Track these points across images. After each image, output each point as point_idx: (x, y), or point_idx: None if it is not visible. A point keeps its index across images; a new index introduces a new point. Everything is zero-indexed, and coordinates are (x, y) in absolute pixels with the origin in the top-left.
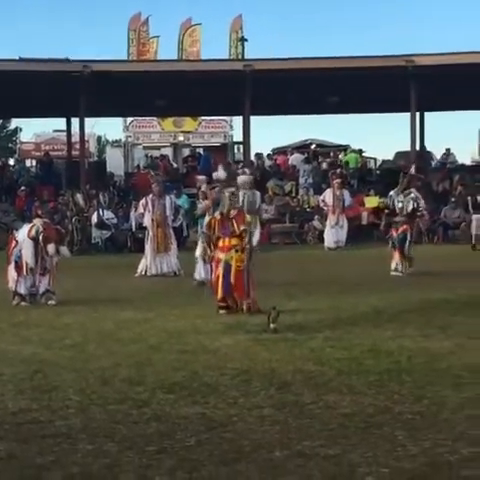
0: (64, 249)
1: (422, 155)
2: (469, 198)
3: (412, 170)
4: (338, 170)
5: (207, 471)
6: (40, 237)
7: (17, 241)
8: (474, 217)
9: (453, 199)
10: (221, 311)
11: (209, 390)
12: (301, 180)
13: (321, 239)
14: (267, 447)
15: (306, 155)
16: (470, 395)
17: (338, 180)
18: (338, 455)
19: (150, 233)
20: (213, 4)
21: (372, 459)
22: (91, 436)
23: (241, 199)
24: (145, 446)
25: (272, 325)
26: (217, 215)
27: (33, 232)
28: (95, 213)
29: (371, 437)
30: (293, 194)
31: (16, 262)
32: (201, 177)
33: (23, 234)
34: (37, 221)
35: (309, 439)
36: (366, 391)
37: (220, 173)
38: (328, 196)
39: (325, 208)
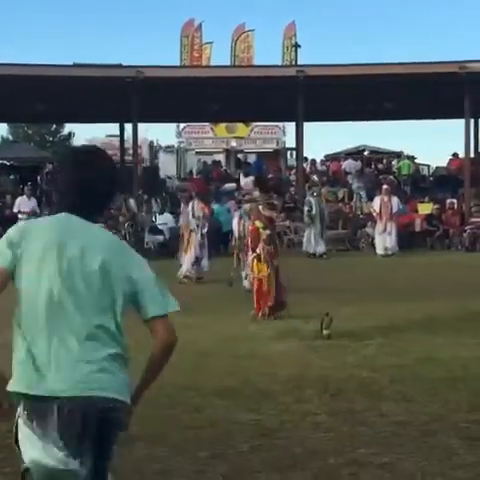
0: None
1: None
2: None
3: None
4: (387, 177)
5: (260, 478)
6: None
7: None
8: None
9: None
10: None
11: (262, 396)
12: (353, 186)
13: (374, 246)
14: (321, 454)
15: (359, 162)
16: None
17: (386, 187)
18: (392, 463)
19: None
20: (266, 10)
21: (427, 468)
22: (144, 441)
23: None
24: (197, 451)
25: (325, 331)
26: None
27: None
28: (148, 218)
29: (425, 445)
30: (346, 200)
31: None
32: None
33: None
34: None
35: (363, 447)
36: (420, 399)
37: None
38: (376, 203)
39: (375, 214)
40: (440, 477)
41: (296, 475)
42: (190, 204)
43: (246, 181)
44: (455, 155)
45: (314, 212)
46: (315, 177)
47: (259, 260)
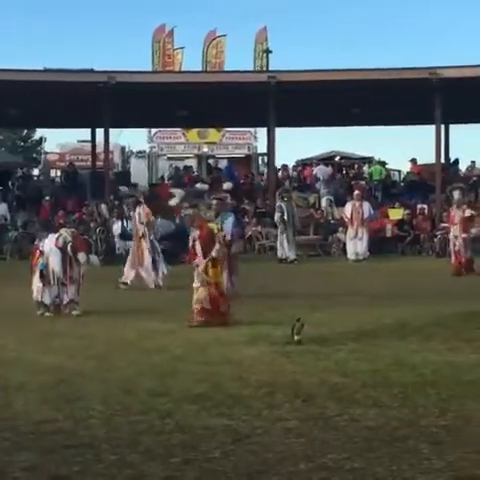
0: (94, 258)
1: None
2: None
3: None
4: (357, 182)
5: None
6: (69, 246)
7: (42, 251)
8: None
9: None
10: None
11: (233, 402)
12: (322, 192)
13: (345, 251)
14: (292, 460)
15: (330, 167)
16: None
17: (357, 192)
18: (363, 468)
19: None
20: (238, 16)
21: (397, 473)
22: (115, 446)
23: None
24: (169, 457)
25: (296, 337)
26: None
27: (60, 241)
28: (119, 223)
29: (396, 450)
30: (317, 206)
31: (41, 271)
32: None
33: (49, 244)
34: (64, 231)
35: (334, 452)
36: (391, 404)
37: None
38: (348, 209)
39: (346, 220)
40: None
41: None
42: (137, 210)
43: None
44: (413, 160)
45: (286, 217)
46: (286, 183)
47: (214, 264)
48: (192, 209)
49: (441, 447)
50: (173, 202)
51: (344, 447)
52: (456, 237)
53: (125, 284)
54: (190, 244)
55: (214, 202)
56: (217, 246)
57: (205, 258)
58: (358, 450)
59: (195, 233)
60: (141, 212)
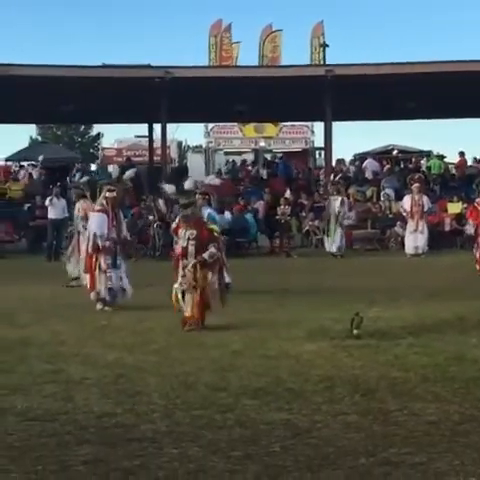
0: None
1: None
2: None
3: None
4: (417, 175)
5: (292, 477)
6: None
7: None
8: None
9: None
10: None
11: (293, 396)
12: (382, 185)
13: (403, 245)
14: (352, 454)
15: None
16: None
17: (417, 185)
18: (424, 463)
19: None
20: (294, 10)
21: (459, 467)
22: (176, 440)
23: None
24: (230, 451)
25: (355, 331)
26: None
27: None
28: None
29: (458, 445)
30: (374, 200)
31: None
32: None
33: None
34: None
35: (395, 447)
36: (452, 399)
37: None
38: (407, 202)
39: (404, 214)
40: (473, 477)
41: (328, 475)
42: (77, 204)
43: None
44: (461, 153)
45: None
46: (334, 177)
47: (202, 267)
48: (190, 208)
49: None
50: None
51: (405, 442)
52: None
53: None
54: (183, 243)
55: (198, 197)
56: (212, 250)
57: (196, 259)
58: (419, 445)
59: (191, 232)
60: (80, 207)
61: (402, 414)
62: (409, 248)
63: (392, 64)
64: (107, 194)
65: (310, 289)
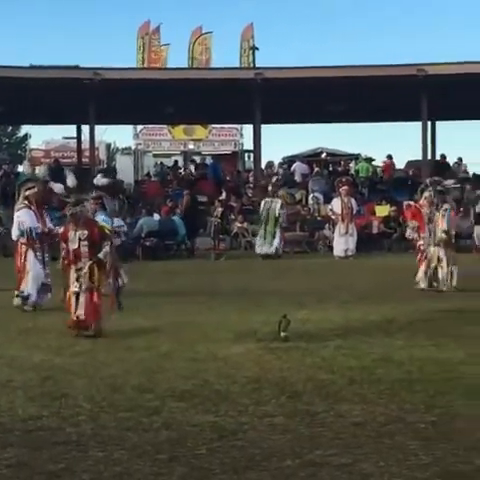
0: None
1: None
2: (471, 208)
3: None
4: (345, 178)
5: (218, 479)
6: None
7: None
8: (476, 228)
9: (462, 208)
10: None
11: (220, 398)
12: (311, 188)
13: (331, 248)
14: (278, 456)
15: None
16: None
17: (345, 188)
18: (350, 464)
19: None
20: (224, 12)
21: (384, 469)
22: (102, 443)
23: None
24: (156, 454)
25: (283, 333)
26: None
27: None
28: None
29: (383, 446)
30: (303, 203)
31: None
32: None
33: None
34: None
35: (321, 448)
36: (378, 400)
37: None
38: (336, 204)
39: (334, 217)
40: (398, 477)
41: (254, 476)
42: None
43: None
44: (389, 157)
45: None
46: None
47: (99, 267)
48: (79, 206)
49: (428, 443)
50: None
51: (331, 443)
52: None
53: None
54: (73, 246)
55: (90, 202)
56: (107, 248)
57: (91, 260)
58: (345, 446)
59: (82, 233)
60: None
61: (328, 416)
62: (338, 250)
63: (321, 67)
64: (27, 192)
65: (239, 291)
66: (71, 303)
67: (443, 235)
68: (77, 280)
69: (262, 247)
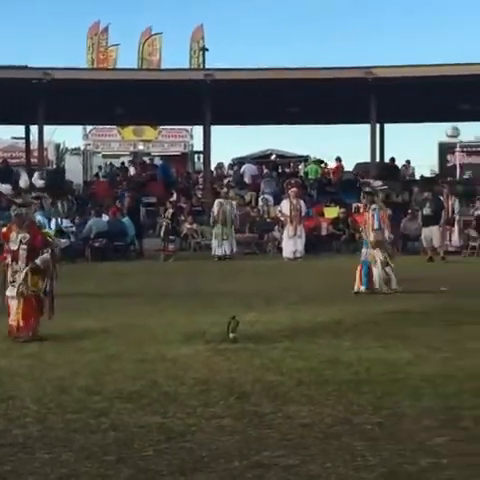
0: None
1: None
2: (418, 211)
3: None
4: (294, 180)
5: None
6: None
7: None
8: (423, 230)
9: (410, 210)
10: None
11: (168, 400)
12: (262, 190)
13: (281, 249)
14: (226, 457)
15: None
16: (428, 405)
17: (294, 189)
18: (297, 465)
19: None
20: (174, 14)
21: (331, 469)
22: (49, 445)
23: None
24: (103, 456)
25: (232, 335)
26: None
27: None
28: (53, 221)
29: (330, 447)
30: (253, 204)
31: None
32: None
33: None
34: None
35: (268, 449)
36: (325, 401)
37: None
38: (285, 206)
39: (282, 218)
40: (344, 478)
41: (201, 478)
42: None
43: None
44: (338, 159)
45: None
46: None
47: (35, 272)
48: (26, 208)
49: (375, 444)
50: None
51: (278, 444)
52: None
53: None
54: (13, 247)
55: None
56: (46, 255)
57: (27, 265)
58: (292, 447)
59: (23, 235)
60: None
61: (276, 417)
62: (287, 252)
63: (271, 69)
64: None
65: (188, 293)
66: (10, 306)
67: (375, 234)
68: (12, 284)
69: (220, 248)
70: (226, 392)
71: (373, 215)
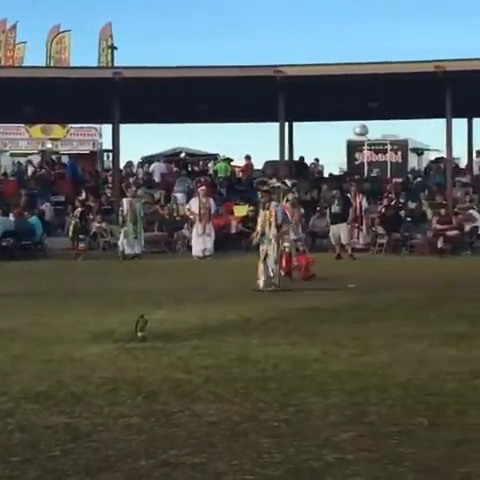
0: None
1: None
2: (327, 208)
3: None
4: (203, 178)
5: None
6: None
7: None
8: (332, 227)
9: (318, 208)
10: None
11: (75, 399)
12: (175, 188)
13: (190, 248)
14: (133, 456)
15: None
16: (335, 401)
17: (203, 188)
18: (204, 463)
19: None
20: (82, 11)
21: (237, 467)
22: None
23: None
24: (8, 457)
25: (140, 333)
26: None
27: None
28: None
29: (237, 445)
30: (162, 202)
31: None
32: None
33: None
34: None
35: (175, 448)
36: (233, 399)
37: None
38: (194, 204)
39: (192, 217)
40: (251, 475)
41: (107, 477)
42: None
43: None
44: (247, 157)
45: (125, 213)
46: (131, 179)
47: None
48: None
49: (281, 440)
50: None
51: (185, 443)
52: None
53: None
54: None
55: None
56: None
57: None
58: (199, 445)
59: None
60: None
61: (184, 415)
62: (196, 251)
63: (181, 68)
64: None
65: (96, 292)
66: None
67: (276, 230)
68: None
69: (131, 247)
70: (134, 391)
71: (276, 211)
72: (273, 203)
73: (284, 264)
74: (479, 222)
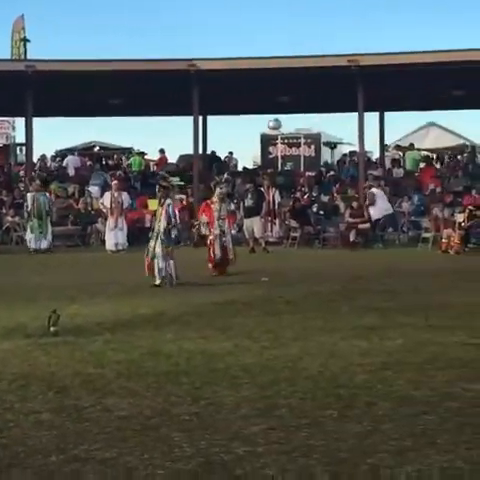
0: None
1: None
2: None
3: None
4: (117, 172)
5: None
6: None
7: None
8: (245, 221)
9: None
10: None
11: None
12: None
13: (104, 242)
14: (43, 452)
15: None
16: (246, 394)
17: (115, 182)
18: (114, 458)
19: None
20: None
21: (148, 461)
22: None
23: None
24: None
25: (52, 328)
26: None
27: None
28: None
29: (148, 439)
30: (76, 196)
31: None
32: None
33: None
34: None
35: (86, 443)
36: (144, 393)
37: None
38: (107, 199)
39: (105, 211)
40: (161, 469)
41: (17, 474)
42: None
43: None
44: (162, 151)
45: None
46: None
47: None
48: None
49: (192, 434)
50: None
51: (96, 438)
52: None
53: None
54: None
55: None
56: None
57: None
58: (110, 440)
59: None
60: None
61: (95, 410)
62: (109, 244)
63: (96, 61)
64: None
65: (8, 286)
66: None
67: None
68: None
69: (37, 242)
70: (45, 386)
71: (167, 210)
72: (168, 200)
73: (211, 256)
74: (382, 203)
